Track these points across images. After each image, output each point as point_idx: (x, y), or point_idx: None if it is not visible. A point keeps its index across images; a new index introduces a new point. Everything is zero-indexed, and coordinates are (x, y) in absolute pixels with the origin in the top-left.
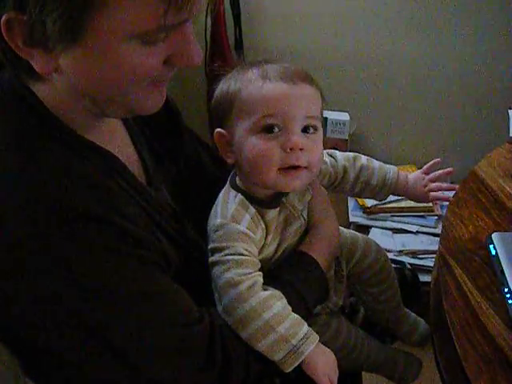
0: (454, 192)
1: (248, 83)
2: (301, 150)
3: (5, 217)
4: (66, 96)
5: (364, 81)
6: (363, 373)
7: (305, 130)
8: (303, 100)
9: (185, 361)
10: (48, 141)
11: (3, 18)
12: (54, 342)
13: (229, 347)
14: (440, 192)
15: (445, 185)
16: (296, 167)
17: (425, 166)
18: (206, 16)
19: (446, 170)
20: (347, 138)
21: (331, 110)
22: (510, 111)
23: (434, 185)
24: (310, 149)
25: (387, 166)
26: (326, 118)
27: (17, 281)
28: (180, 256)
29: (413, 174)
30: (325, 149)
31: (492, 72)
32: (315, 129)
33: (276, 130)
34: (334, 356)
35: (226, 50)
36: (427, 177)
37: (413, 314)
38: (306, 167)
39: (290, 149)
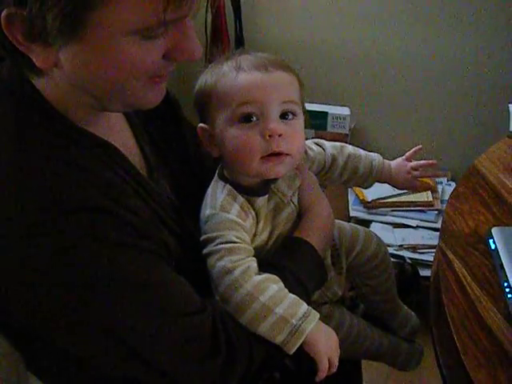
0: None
1: (223, 76)
2: (280, 136)
3: (7, 208)
4: (66, 90)
5: (365, 75)
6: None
7: (283, 116)
8: (278, 86)
9: (189, 350)
10: (48, 133)
11: (3, 12)
12: (56, 336)
13: (232, 334)
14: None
15: (429, 173)
16: (277, 154)
17: (407, 153)
18: (207, 10)
19: (429, 161)
20: (348, 132)
21: (332, 105)
22: (510, 106)
23: (417, 172)
24: (289, 135)
25: (372, 153)
26: (327, 113)
27: (17, 274)
28: (180, 248)
29: (395, 161)
30: None
31: (493, 67)
32: (294, 114)
33: (254, 118)
34: (335, 335)
35: (226, 44)
36: (410, 164)
37: (405, 306)
38: (287, 153)
39: (269, 136)
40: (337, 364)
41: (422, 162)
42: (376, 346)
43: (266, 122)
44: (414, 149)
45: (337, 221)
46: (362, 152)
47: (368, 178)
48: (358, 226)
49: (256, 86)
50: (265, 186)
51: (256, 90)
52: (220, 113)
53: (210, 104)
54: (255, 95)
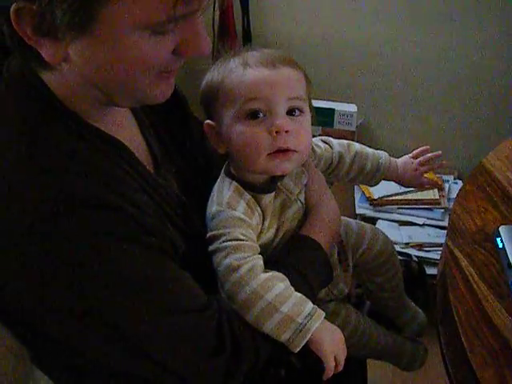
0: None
1: (230, 72)
2: (287, 132)
3: (12, 203)
4: (74, 85)
5: (372, 72)
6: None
7: (290, 112)
8: (285, 83)
9: (195, 347)
10: (56, 127)
11: (13, 7)
12: (61, 330)
13: (237, 332)
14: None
15: (436, 165)
16: (284, 150)
17: (414, 151)
18: (214, 6)
19: (435, 153)
20: (354, 129)
21: (339, 102)
22: None
23: (424, 168)
24: (296, 131)
25: (379, 151)
26: (334, 110)
27: (20, 271)
28: (186, 245)
29: (401, 159)
30: None
31: (500, 64)
32: (301, 111)
33: (261, 115)
34: (341, 334)
35: (233, 40)
36: (417, 160)
37: (412, 303)
38: (294, 150)
39: (276, 132)
40: (343, 363)
41: (429, 154)
42: (381, 345)
43: (273, 119)
44: (421, 148)
45: (343, 218)
46: (369, 150)
47: (375, 175)
48: (365, 224)
49: (263, 83)
50: (271, 183)
51: (263, 86)
52: (227, 109)
53: (216, 100)
54: (262, 91)
